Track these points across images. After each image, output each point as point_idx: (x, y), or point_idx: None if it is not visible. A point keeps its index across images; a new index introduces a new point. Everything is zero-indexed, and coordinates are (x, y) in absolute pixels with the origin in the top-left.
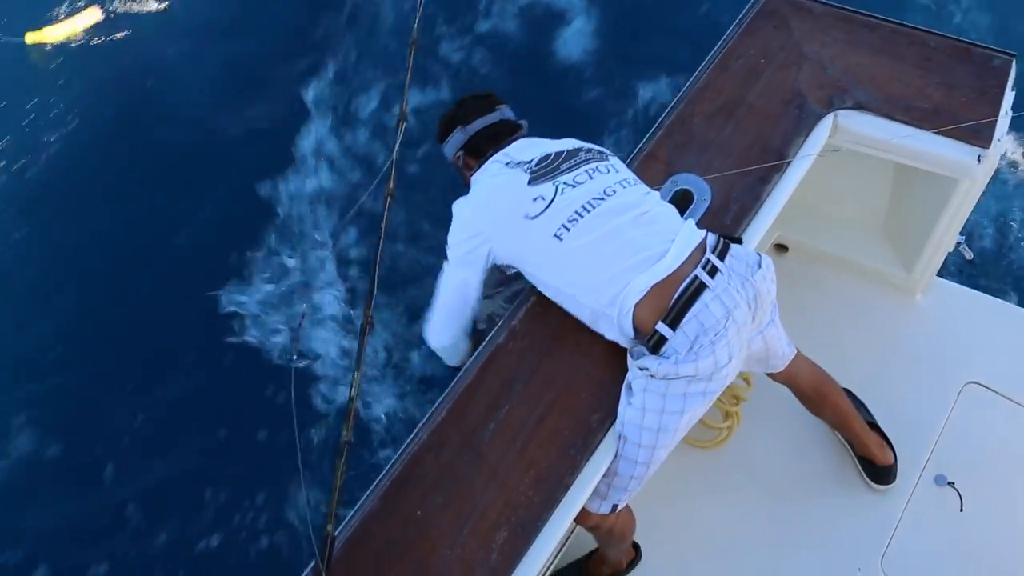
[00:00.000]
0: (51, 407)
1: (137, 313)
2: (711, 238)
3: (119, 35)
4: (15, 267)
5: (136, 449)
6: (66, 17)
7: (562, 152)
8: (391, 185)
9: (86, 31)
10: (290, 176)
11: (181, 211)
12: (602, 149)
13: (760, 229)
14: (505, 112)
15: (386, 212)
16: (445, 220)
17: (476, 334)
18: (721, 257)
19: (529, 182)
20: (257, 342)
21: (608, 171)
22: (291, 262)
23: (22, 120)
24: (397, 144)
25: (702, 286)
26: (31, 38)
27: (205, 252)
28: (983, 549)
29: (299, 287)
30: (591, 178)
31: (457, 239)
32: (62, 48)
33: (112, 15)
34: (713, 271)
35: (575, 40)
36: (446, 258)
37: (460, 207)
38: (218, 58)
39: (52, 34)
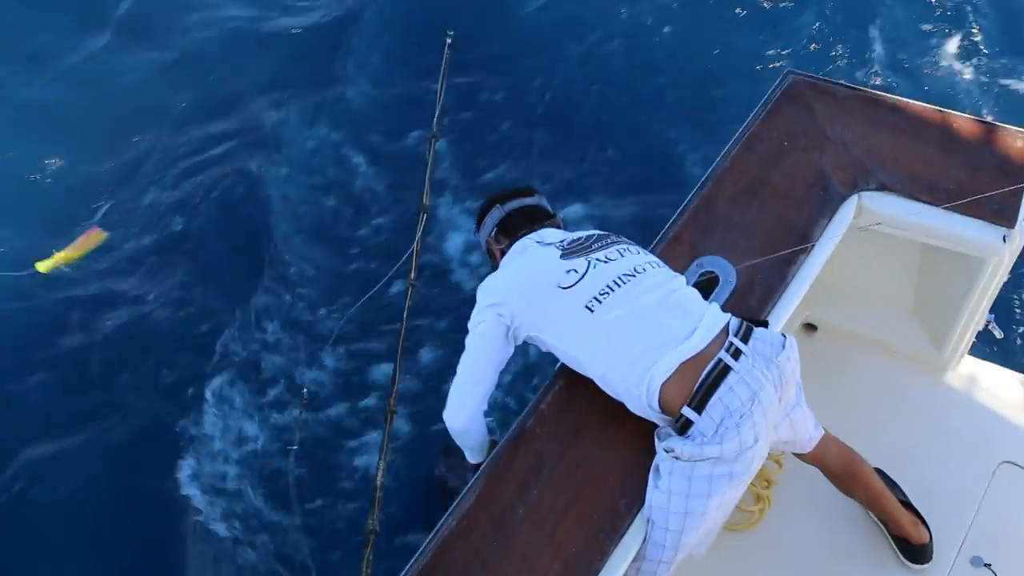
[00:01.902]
0: None
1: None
2: (734, 322)
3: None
4: None
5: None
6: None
7: (592, 235)
8: (412, 275)
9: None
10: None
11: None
12: (628, 239)
13: (786, 311)
14: (543, 201)
15: (408, 301)
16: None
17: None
18: (744, 340)
19: (562, 256)
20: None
21: (638, 252)
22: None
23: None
24: (419, 233)
25: (726, 368)
26: (43, 267)
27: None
28: None
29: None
30: (622, 256)
31: (481, 307)
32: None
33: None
34: (737, 353)
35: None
36: (468, 333)
37: (488, 281)
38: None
39: (63, 258)
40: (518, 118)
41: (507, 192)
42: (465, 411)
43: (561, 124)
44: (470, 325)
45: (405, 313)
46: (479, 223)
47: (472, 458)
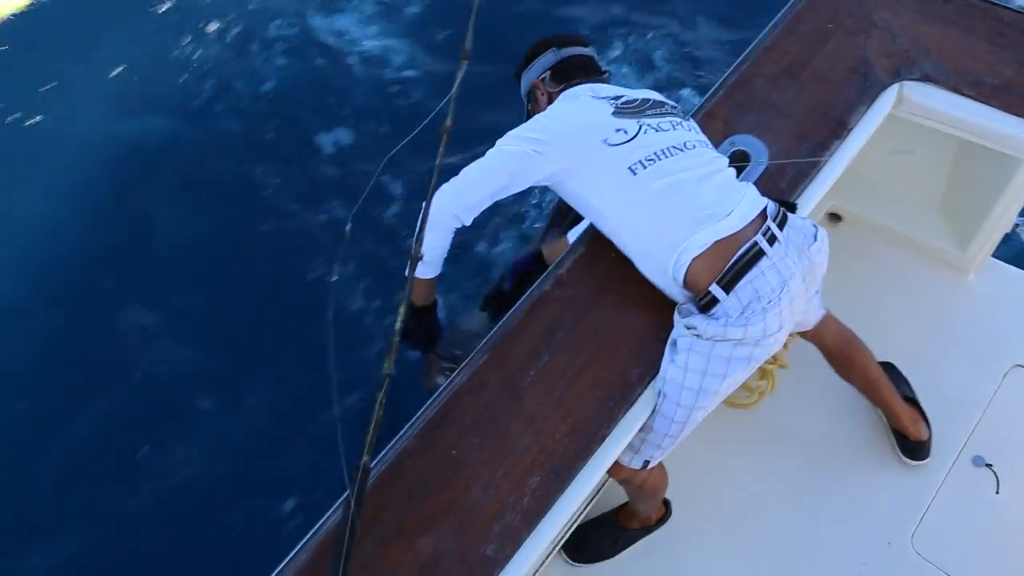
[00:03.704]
0: None
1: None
2: (771, 206)
3: None
4: None
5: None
6: None
7: (648, 100)
8: (448, 122)
9: None
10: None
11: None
12: (684, 110)
13: (815, 196)
14: (596, 55)
15: (442, 148)
16: None
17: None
18: (780, 226)
19: (613, 114)
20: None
21: (690, 129)
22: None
23: None
24: (458, 80)
25: (760, 252)
26: None
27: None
28: (1016, 533)
29: (345, 215)
30: (674, 128)
31: (519, 134)
32: None
33: None
34: (772, 239)
35: None
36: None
37: (536, 117)
38: None
39: None
40: None
41: (562, 37)
42: (458, 202)
43: None
44: (499, 142)
45: (439, 160)
46: (527, 63)
47: (425, 271)
